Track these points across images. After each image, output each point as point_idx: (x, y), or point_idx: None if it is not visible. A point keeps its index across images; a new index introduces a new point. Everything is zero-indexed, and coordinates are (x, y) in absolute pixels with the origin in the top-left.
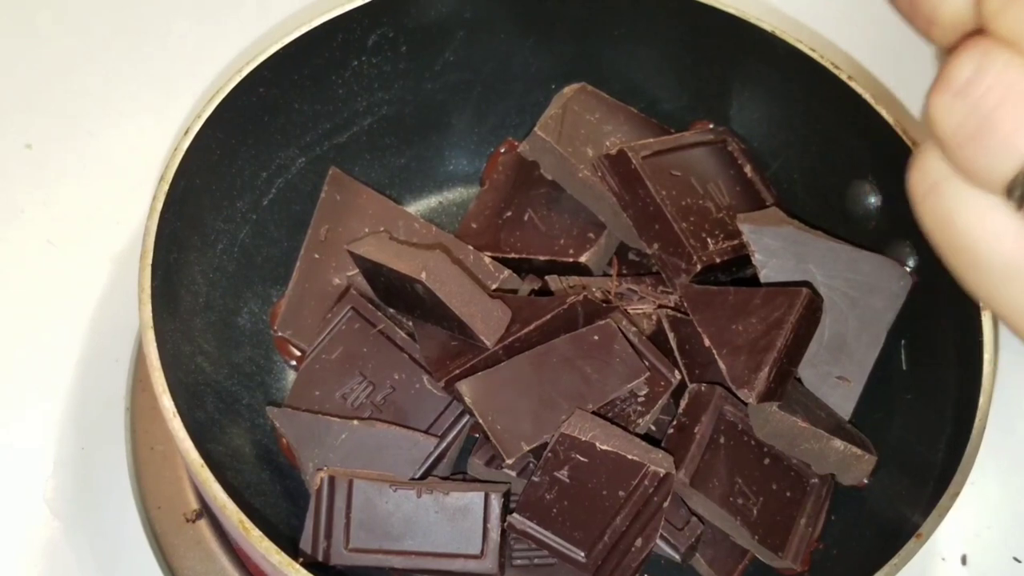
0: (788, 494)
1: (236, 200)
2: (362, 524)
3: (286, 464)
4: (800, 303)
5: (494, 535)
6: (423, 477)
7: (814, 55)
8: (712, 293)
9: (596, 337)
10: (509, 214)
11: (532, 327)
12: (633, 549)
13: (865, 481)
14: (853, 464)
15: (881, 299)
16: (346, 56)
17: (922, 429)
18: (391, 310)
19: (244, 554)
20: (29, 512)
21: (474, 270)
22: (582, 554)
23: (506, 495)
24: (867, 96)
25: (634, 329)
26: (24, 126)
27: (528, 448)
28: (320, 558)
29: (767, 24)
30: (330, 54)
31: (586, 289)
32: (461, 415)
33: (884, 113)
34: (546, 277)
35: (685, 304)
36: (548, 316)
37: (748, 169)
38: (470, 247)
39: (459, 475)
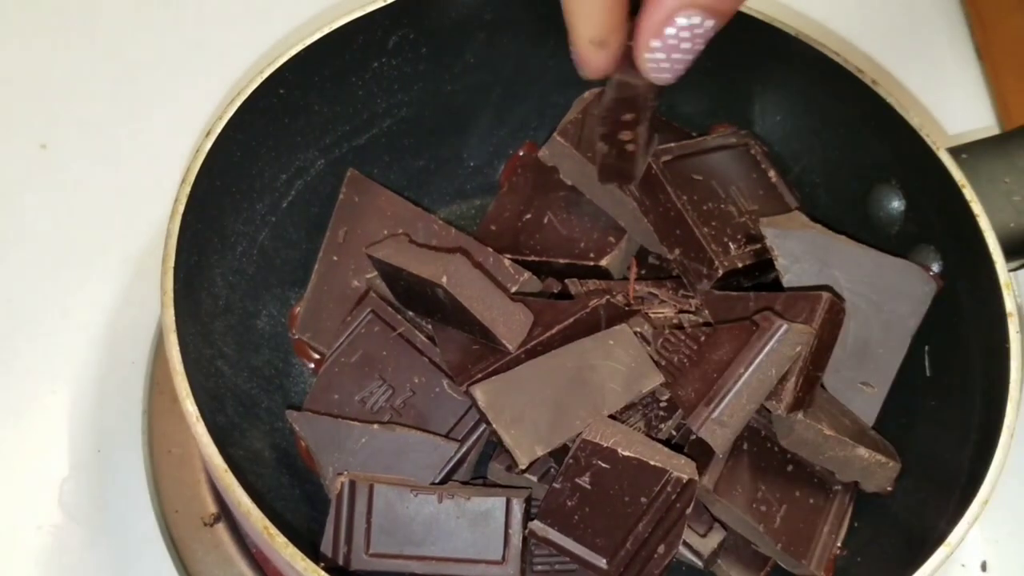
0: (811, 501)
1: (256, 202)
2: (383, 529)
3: (305, 468)
4: (822, 308)
5: (515, 541)
6: (443, 482)
7: (837, 59)
8: (733, 299)
9: (611, 341)
10: (529, 217)
11: (554, 331)
12: (655, 556)
13: (889, 488)
14: (877, 471)
15: (905, 304)
16: (366, 58)
17: (947, 436)
18: (411, 313)
19: (263, 557)
20: (45, 515)
21: (494, 272)
22: (604, 561)
23: (527, 500)
24: (891, 100)
25: (653, 332)
26: (39, 127)
27: (542, 453)
28: (341, 563)
29: (790, 27)
30: (350, 56)
31: (608, 292)
32: (481, 418)
33: (908, 117)
34: (565, 280)
35: (706, 310)
36: (570, 320)
37: (772, 173)
38: (489, 249)
39: (479, 480)
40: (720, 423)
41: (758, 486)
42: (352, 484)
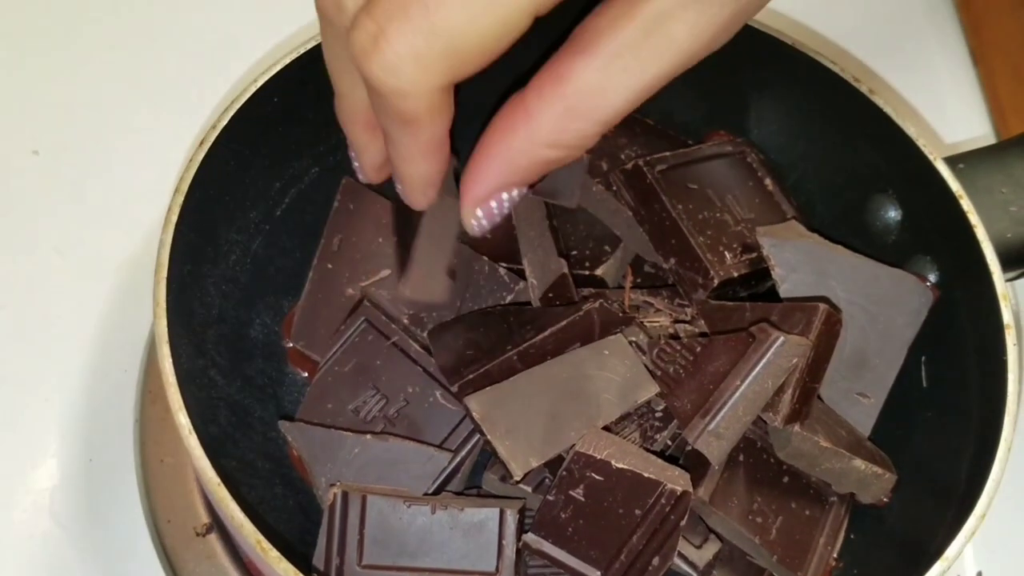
0: (807, 512)
1: (249, 211)
2: (376, 540)
3: (298, 478)
4: (819, 320)
5: (509, 552)
6: (437, 492)
7: (834, 67)
8: (729, 309)
9: (606, 351)
10: None
11: (547, 333)
12: (650, 568)
13: (885, 500)
14: (873, 483)
15: (902, 314)
16: None
17: (944, 447)
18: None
19: (255, 568)
20: (35, 525)
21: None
22: (598, 573)
23: (521, 511)
24: (888, 110)
25: (648, 342)
26: (31, 133)
27: (536, 464)
28: (333, 575)
29: (787, 36)
30: None
31: (602, 297)
32: (476, 429)
33: (905, 127)
34: None
35: (702, 319)
36: (564, 322)
37: (768, 181)
38: (484, 258)
39: (473, 490)
40: (716, 435)
41: (754, 497)
42: (345, 495)
